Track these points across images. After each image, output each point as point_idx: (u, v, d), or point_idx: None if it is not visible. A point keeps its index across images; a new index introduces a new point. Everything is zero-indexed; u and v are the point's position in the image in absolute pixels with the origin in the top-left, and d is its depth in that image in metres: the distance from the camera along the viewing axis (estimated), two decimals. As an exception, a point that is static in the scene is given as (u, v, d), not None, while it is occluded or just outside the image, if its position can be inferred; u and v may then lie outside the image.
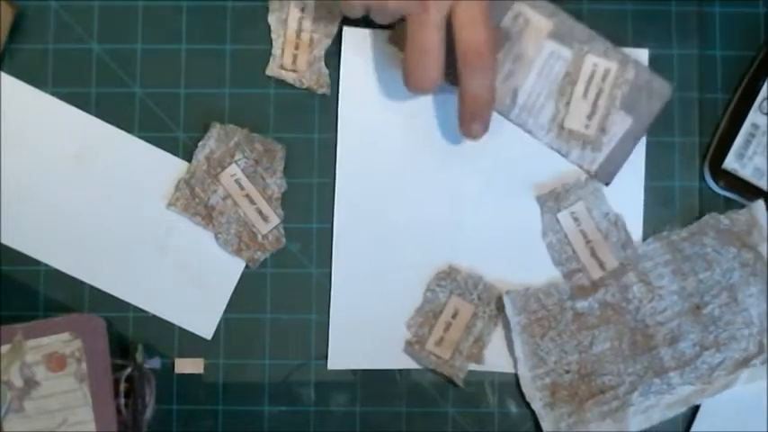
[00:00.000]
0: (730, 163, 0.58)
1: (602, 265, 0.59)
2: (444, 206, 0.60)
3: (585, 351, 0.58)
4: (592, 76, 0.59)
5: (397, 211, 0.60)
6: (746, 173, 0.58)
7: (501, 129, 0.59)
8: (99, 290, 0.60)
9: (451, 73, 0.54)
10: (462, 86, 0.54)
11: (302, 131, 0.60)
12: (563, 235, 0.59)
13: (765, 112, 0.59)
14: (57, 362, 0.55)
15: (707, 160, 0.60)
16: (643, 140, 0.60)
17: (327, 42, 0.60)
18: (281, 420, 0.59)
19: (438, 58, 0.53)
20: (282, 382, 0.60)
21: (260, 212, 0.59)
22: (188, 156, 0.60)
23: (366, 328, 0.59)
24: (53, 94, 0.60)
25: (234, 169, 0.59)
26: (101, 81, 0.61)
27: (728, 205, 0.60)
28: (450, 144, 0.60)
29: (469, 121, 0.55)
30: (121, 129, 0.60)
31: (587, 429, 0.58)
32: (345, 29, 0.60)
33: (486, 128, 0.55)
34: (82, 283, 0.60)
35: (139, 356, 0.57)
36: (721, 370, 0.58)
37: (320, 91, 0.60)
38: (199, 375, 0.60)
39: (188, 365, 0.59)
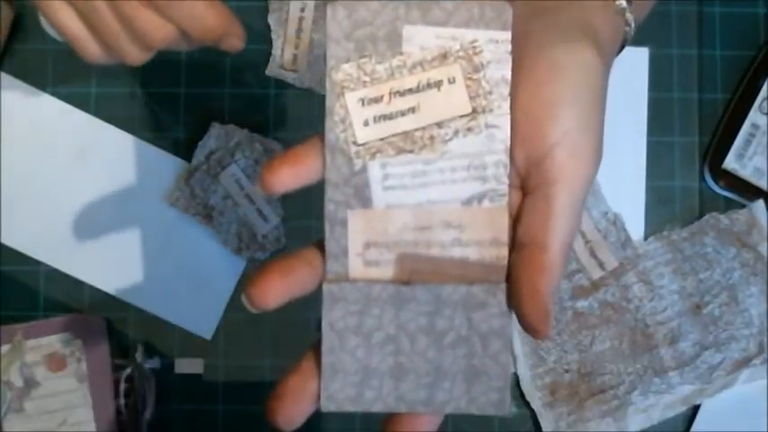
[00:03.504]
0: (730, 163, 0.58)
1: (601, 265, 0.59)
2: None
3: (585, 350, 0.58)
4: None
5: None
6: (746, 173, 0.58)
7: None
8: (99, 290, 0.60)
9: None
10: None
11: (302, 131, 0.60)
12: (563, 235, 0.59)
13: (765, 112, 0.59)
14: (57, 362, 0.55)
15: (707, 160, 0.60)
16: (644, 140, 0.60)
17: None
18: (281, 420, 0.59)
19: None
20: (282, 382, 0.60)
21: (260, 212, 0.59)
22: (188, 156, 0.60)
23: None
24: (53, 94, 0.60)
25: (234, 169, 0.59)
26: (101, 81, 0.61)
27: (728, 205, 0.60)
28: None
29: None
30: (121, 129, 0.60)
31: (587, 429, 0.58)
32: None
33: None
34: (82, 283, 0.60)
35: (139, 356, 0.57)
36: (721, 370, 0.58)
37: (320, 91, 0.60)
38: (199, 375, 0.60)
39: (188, 365, 0.59)
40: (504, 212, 0.32)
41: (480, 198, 0.33)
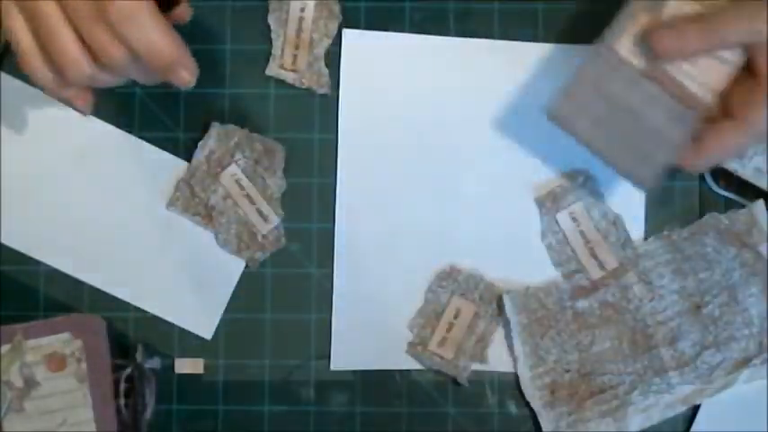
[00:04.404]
0: (730, 163, 0.58)
1: (601, 266, 0.59)
2: (444, 207, 0.60)
3: (585, 350, 0.58)
4: None
5: (398, 211, 0.60)
6: (746, 173, 0.58)
7: (501, 130, 0.60)
8: (99, 290, 0.60)
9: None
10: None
11: (302, 131, 0.60)
12: (562, 236, 0.59)
13: (765, 112, 0.59)
14: (57, 362, 0.55)
15: (707, 160, 0.60)
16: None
17: (327, 42, 0.60)
18: (281, 420, 0.59)
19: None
20: (282, 382, 0.60)
21: (260, 212, 0.59)
22: (188, 156, 0.60)
23: (368, 330, 0.59)
24: (53, 93, 0.60)
25: (234, 169, 0.59)
26: (101, 81, 0.60)
27: (728, 205, 0.60)
28: (449, 145, 0.60)
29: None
30: (121, 129, 0.60)
31: (587, 429, 0.58)
32: (345, 29, 0.60)
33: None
34: (82, 283, 0.60)
35: (139, 356, 0.57)
36: (721, 370, 0.58)
37: (320, 91, 0.60)
38: (199, 375, 0.60)
39: (188, 365, 0.59)
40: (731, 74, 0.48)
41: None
